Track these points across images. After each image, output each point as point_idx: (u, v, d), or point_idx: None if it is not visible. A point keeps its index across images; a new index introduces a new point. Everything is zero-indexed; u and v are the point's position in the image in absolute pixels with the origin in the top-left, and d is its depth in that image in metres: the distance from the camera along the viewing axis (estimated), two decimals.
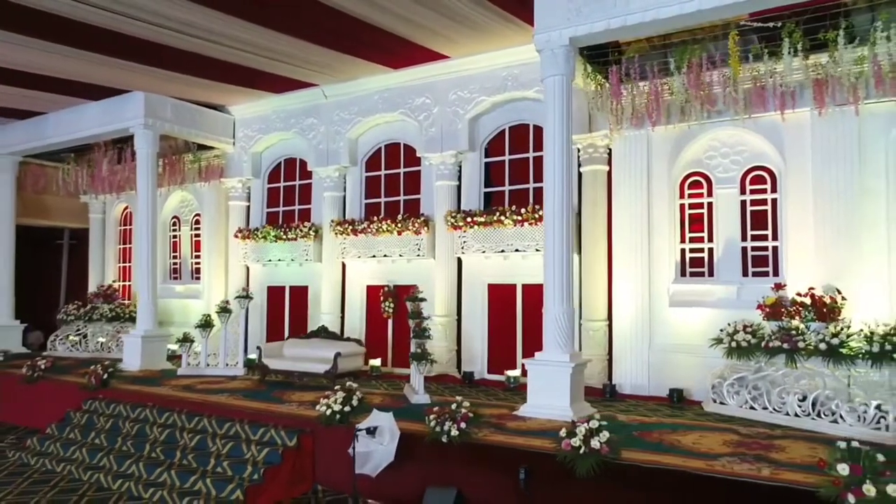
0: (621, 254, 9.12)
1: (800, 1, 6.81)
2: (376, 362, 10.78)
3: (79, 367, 11.18)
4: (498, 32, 9.14)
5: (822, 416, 6.54)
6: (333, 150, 11.85)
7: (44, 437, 9.15)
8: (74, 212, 16.15)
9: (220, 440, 7.77)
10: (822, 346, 6.56)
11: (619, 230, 9.16)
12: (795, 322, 7.19)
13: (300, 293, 12.56)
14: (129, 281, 15.23)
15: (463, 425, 6.43)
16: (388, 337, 11.36)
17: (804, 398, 6.72)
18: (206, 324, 10.96)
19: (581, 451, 5.62)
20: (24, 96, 11.90)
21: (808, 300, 7.21)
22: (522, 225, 9.68)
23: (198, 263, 14.06)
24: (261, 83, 11.48)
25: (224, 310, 10.80)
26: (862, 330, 6.57)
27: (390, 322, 11.33)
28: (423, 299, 8.95)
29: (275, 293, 12.92)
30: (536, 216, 9.40)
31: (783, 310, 7.34)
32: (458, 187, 10.76)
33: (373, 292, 11.60)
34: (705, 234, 8.88)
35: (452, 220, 10.31)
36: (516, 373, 9.40)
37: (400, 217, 11.02)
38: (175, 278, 14.56)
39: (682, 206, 9.03)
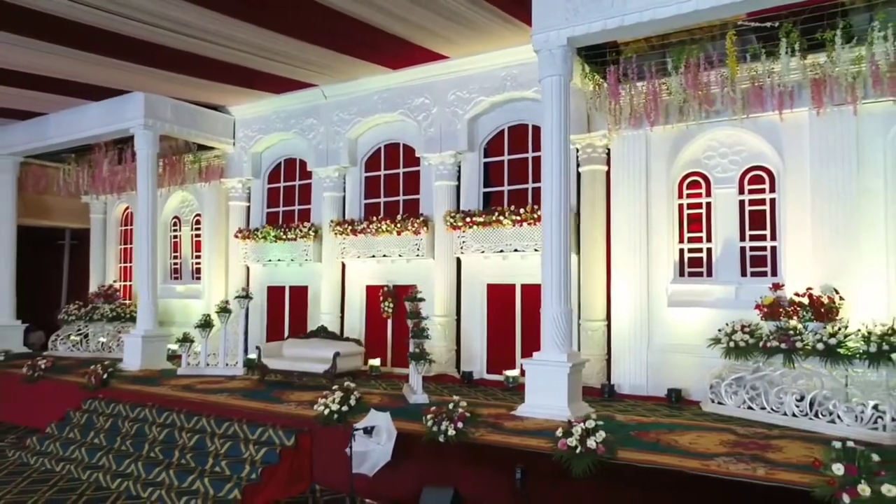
0: (620, 254, 9.12)
1: (797, 1, 6.81)
2: (376, 362, 10.80)
3: (79, 367, 11.21)
4: (496, 33, 9.15)
5: (820, 416, 6.55)
6: (333, 150, 11.87)
7: (44, 436, 9.19)
8: (75, 212, 16.21)
9: (219, 440, 7.80)
10: (820, 346, 6.56)
11: (617, 230, 9.16)
12: (793, 322, 7.19)
13: (300, 293, 12.58)
14: (130, 281, 15.29)
15: (460, 425, 6.45)
16: (387, 337, 11.37)
17: (802, 398, 6.74)
18: (206, 324, 10.99)
19: (577, 450, 5.63)
20: (24, 97, 11.93)
21: (805, 300, 7.21)
22: (521, 225, 9.69)
23: (198, 263, 14.10)
24: (259, 83, 11.49)
25: (224, 310, 10.82)
26: (860, 330, 6.57)
27: (390, 322, 11.34)
28: (421, 299, 8.99)
29: (275, 293, 12.95)
30: (535, 216, 9.40)
31: (781, 310, 7.34)
32: (458, 187, 10.76)
33: (372, 292, 11.62)
34: (704, 234, 8.87)
35: (451, 221, 10.32)
36: (515, 373, 9.41)
37: (399, 217, 11.03)
38: (175, 278, 14.60)
39: (680, 206, 9.03)
